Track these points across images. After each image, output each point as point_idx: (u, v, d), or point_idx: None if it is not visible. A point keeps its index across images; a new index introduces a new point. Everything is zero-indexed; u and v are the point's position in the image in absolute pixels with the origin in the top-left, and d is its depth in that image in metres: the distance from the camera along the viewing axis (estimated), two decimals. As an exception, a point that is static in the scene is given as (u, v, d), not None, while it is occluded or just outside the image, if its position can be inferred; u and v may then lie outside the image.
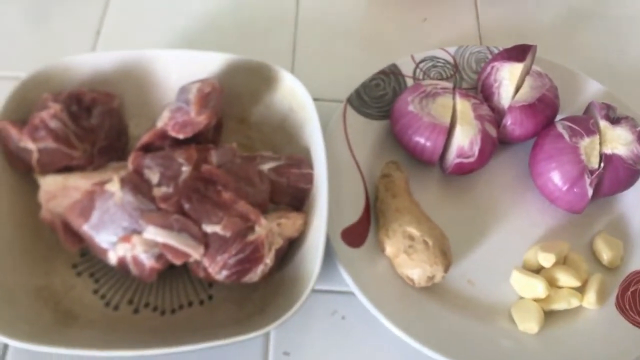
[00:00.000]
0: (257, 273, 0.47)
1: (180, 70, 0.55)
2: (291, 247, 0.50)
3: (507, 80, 0.58)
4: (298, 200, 0.52)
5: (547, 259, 0.53)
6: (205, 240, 0.46)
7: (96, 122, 0.52)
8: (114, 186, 0.47)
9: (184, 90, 0.51)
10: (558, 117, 0.58)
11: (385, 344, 0.51)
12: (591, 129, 0.55)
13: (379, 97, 0.61)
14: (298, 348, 0.51)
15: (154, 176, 0.48)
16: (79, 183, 0.49)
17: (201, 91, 0.50)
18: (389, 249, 0.52)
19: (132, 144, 0.55)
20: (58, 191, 0.49)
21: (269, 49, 0.67)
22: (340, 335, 0.52)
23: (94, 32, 0.66)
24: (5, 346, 0.49)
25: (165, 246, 0.46)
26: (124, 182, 0.47)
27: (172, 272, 0.51)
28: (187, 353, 0.48)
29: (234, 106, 0.57)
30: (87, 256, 0.52)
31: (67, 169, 0.50)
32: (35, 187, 0.49)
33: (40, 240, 0.50)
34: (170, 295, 0.51)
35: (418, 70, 0.63)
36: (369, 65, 0.63)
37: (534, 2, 0.74)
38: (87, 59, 0.54)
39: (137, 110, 0.56)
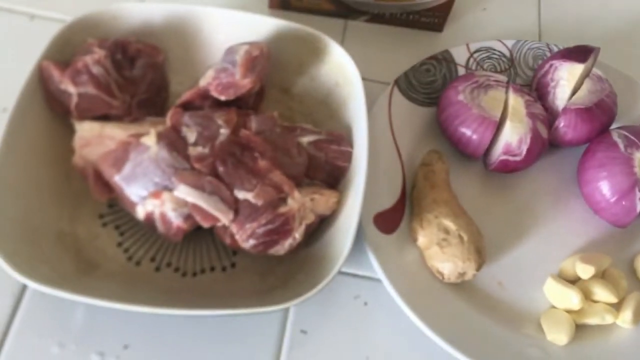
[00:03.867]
0: (284, 246, 0.46)
1: (228, 31, 0.53)
2: (322, 224, 0.49)
3: (565, 80, 0.56)
4: (334, 177, 0.50)
5: (585, 271, 0.51)
6: (235, 206, 0.45)
7: (138, 74, 0.51)
8: (150, 140, 0.46)
9: (231, 51, 0.49)
10: (614, 125, 0.56)
11: (405, 335, 0.49)
12: (648, 141, 0.52)
13: (428, 82, 0.59)
14: (316, 328, 0.49)
15: (191, 135, 0.47)
16: (115, 132, 0.48)
17: (249, 54, 0.48)
18: (422, 240, 0.50)
19: (172, 100, 0.54)
20: (93, 138, 0.48)
21: (320, 22, 0.65)
22: (360, 320, 0.50)
23: (148, -17, 0.65)
24: (24, 287, 0.49)
25: (195, 207, 0.45)
26: (160, 137, 0.46)
27: (198, 235, 0.50)
28: (204, 318, 0.48)
29: (279, 75, 0.55)
30: (115, 208, 0.51)
31: (104, 118, 0.49)
32: (72, 131, 0.48)
33: (70, 185, 0.50)
34: (194, 257, 0.50)
35: (472, 60, 0.60)
36: (421, 50, 0.60)
37: (599, 4, 0.70)
38: (137, 9, 0.53)
39: (181, 67, 0.55)
